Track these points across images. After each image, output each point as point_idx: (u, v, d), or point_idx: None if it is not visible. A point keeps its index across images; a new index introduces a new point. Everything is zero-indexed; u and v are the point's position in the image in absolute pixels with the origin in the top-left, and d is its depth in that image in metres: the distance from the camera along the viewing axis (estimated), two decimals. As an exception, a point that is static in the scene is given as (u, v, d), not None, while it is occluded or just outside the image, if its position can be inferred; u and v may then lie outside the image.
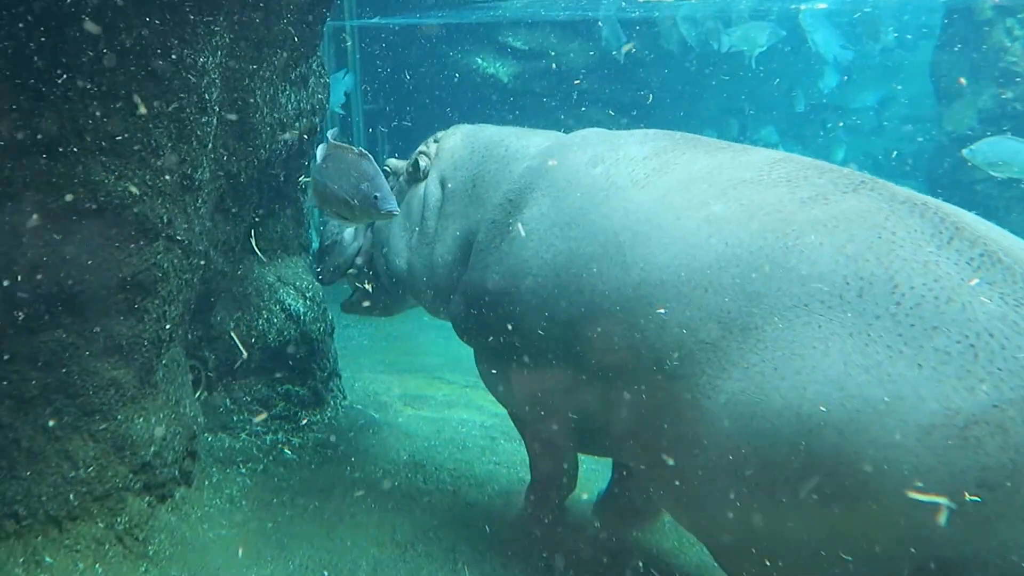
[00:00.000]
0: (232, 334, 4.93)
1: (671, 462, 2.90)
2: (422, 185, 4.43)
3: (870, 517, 2.42)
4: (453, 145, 4.40)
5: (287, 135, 4.84)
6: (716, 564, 3.96)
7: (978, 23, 10.80)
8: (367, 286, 4.86)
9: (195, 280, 4.42)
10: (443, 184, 4.31)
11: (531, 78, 11.95)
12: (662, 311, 2.88)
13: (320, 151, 3.55)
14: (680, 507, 3.09)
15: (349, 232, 4.74)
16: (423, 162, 4.42)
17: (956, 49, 10.94)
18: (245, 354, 4.95)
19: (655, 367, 2.90)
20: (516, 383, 3.77)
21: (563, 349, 3.38)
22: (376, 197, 3.16)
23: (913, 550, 2.39)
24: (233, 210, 5.09)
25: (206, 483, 4.69)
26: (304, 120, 5.63)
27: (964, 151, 8.02)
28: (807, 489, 2.50)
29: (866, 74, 15.17)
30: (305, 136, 5.64)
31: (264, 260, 5.05)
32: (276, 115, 5.20)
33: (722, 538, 2.93)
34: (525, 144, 4.13)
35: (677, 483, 2.93)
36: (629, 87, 12.32)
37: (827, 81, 13.92)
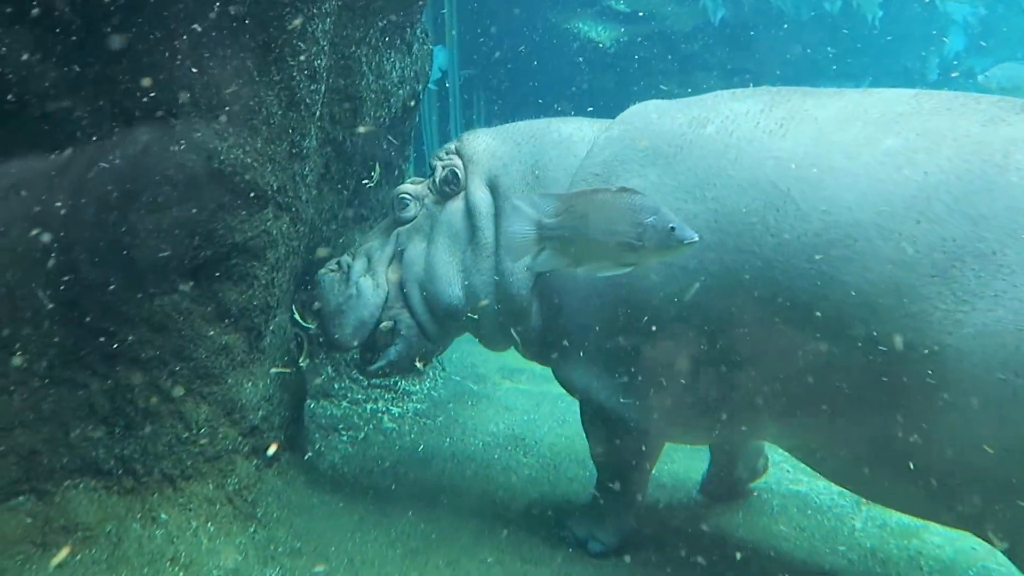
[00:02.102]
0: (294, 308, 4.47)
1: (893, 417, 2.71)
2: (460, 198, 4.05)
3: None
4: (487, 146, 4.07)
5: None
6: (828, 550, 3.75)
7: None
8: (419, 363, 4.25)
9: (301, 247, 4.45)
10: (493, 186, 3.96)
11: (635, 43, 11.36)
12: (865, 251, 2.70)
13: (547, 203, 3.05)
14: (893, 473, 2.83)
15: (367, 282, 4.15)
16: (459, 172, 4.05)
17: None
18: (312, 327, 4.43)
19: (865, 313, 2.71)
20: (642, 380, 3.39)
21: (715, 321, 3.11)
22: (673, 228, 2.73)
23: None
24: (338, 178, 5.10)
25: (310, 449, 4.76)
26: (407, 87, 5.58)
27: (979, 77, 7.55)
28: None
29: (1000, 36, 13.85)
30: (409, 103, 5.60)
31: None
32: (381, 82, 5.16)
33: (969, 496, 2.69)
34: (577, 126, 3.94)
35: (905, 440, 2.71)
36: (738, 52, 11.65)
37: (953, 44, 12.80)
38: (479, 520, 4.07)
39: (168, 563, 3.44)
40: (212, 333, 3.85)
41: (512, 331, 3.94)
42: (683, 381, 3.26)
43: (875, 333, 2.69)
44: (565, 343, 3.67)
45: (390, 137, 5.61)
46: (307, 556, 3.68)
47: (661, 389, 3.35)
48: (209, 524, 3.69)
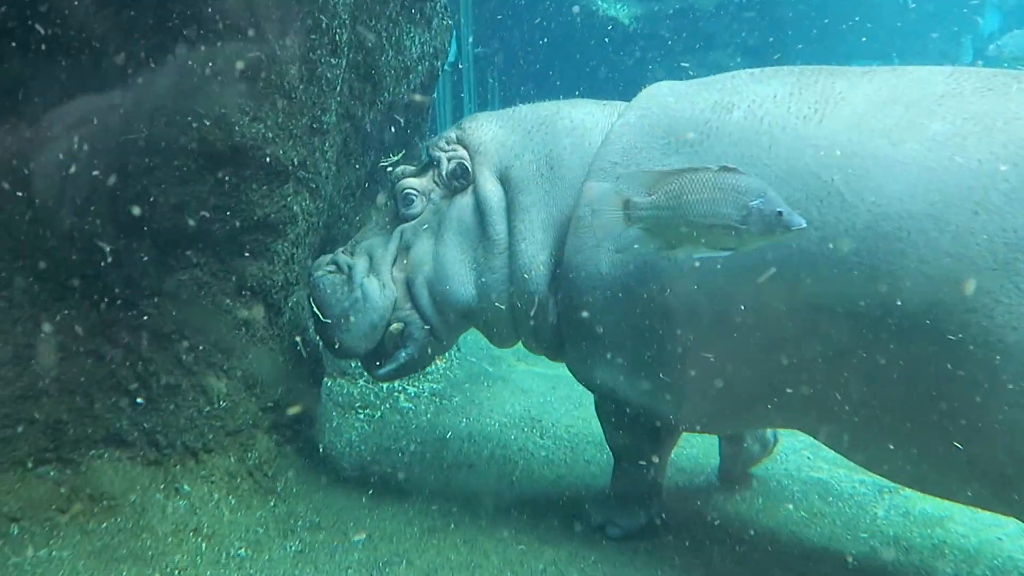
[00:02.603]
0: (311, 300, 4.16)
1: (948, 410, 2.66)
2: (468, 192, 3.85)
3: None
4: (494, 135, 3.85)
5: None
6: (850, 536, 3.73)
7: None
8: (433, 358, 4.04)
9: (320, 224, 4.44)
10: (504, 178, 3.77)
11: (655, 20, 11.19)
12: (919, 243, 2.63)
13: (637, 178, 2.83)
14: (942, 464, 2.79)
15: (373, 283, 3.89)
16: (467, 164, 3.83)
17: None
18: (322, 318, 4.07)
19: (922, 307, 2.64)
20: (673, 378, 3.27)
21: (752, 317, 3.00)
22: (780, 212, 2.55)
23: None
24: (356, 155, 5.07)
25: (327, 426, 4.79)
26: (426, 63, 5.53)
27: (991, 46, 7.51)
28: None
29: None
30: (428, 80, 5.55)
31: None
32: (400, 58, 5.12)
33: None
34: (588, 112, 3.78)
35: (961, 432, 2.67)
36: (761, 30, 11.44)
37: (988, 23, 12.43)
38: (497, 500, 4.08)
39: (191, 533, 3.47)
40: (232, 307, 3.85)
41: (524, 328, 3.81)
42: (717, 379, 3.17)
43: (933, 328, 2.63)
44: (587, 340, 3.54)
45: (399, 118, 5.56)
46: (326, 531, 3.71)
47: (693, 387, 3.26)
48: (230, 497, 3.72)
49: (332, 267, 3.99)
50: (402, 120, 5.46)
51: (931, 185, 2.65)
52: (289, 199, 3.92)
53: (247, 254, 3.84)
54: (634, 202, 2.80)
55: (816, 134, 2.91)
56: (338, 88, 4.22)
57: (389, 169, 4.35)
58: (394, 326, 3.89)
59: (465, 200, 3.86)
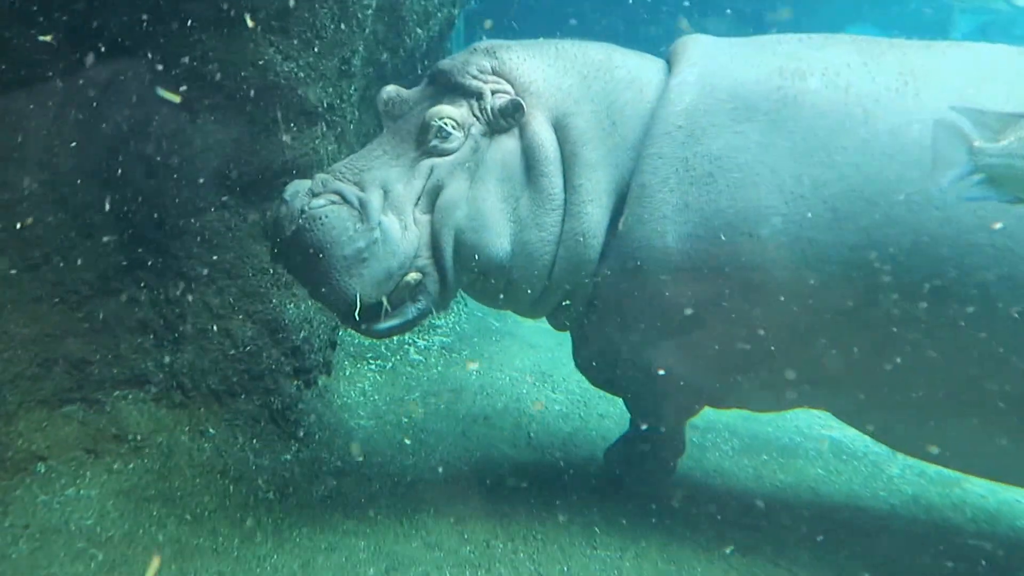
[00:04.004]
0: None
1: None
2: (514, 134, 3.31)
3: None
4: (545, 75, 3.34)
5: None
6: (868, 494, 3.80)
7: None
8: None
9: (343, 170, 4.35)
10: (561, 127, 3.30)
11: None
12: None
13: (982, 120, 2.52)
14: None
15: (392, 222, 3.21)
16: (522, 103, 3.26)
17: None
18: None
19: None
20: (744, 360, 3.10)
21: (845, 298, 2.87)
22: None
23: None
24: (377, 101, 4.97)
25: (342, 375, 4.75)
26: (445, 10, 5.42)
27: None
28: None
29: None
30: (446, 27, 5.45)
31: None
32: (423, 2, 5.00)
33: None
34: (639, 63, 3.48)
35: None
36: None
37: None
38: (515, 451, 4.10)
39: (218, 476, 3.45)
40: (259, 252, 3.78)
41: (550, 294, 3.44)
42: (797, 360, 3.05)
43: None
44: (636, 315, 3.27)
45: (418, 65, 5.46)
46: (352, 476, 3.70)
47: (762, 369, 3.14)
48: (254, 440, 3.70)
49: (335, 197, 3.20)
50: (420, 68, 5.35)
51: None
52: (317, 142, 3.84)
53: (274, 197, 3.75)
54: (981, 147, 2.47)
55: (918, 107, 2.83)
56: (367, 31, 4.11)
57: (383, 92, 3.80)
58: (411, 275, 3.25)
59: (511, 143, 3.32)
